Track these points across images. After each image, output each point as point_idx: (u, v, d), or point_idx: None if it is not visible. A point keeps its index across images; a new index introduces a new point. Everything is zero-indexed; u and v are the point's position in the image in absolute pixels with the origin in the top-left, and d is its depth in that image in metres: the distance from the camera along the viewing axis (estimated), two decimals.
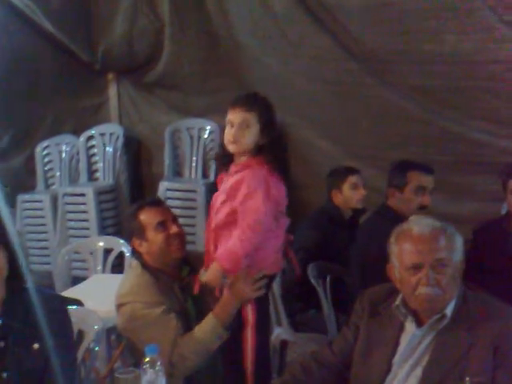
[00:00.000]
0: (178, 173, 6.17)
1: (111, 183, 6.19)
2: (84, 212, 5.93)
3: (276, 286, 3.51)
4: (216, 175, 5.74)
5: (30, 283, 2.41)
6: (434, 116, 4.86)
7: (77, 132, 6.42)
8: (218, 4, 5.47)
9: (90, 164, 6.37)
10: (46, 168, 6.54)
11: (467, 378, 2.02)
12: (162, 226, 2.76)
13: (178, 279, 2.81)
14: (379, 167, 4.99)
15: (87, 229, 5.93)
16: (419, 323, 2.22)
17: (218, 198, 2.74)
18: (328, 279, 3.61)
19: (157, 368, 1.98)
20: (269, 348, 2.84)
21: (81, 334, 2.69)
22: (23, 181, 6.54)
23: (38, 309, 2.32)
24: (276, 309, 3.66)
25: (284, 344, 3.92)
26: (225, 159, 2.79)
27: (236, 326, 2.68)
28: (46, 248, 6.16)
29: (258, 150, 2.67)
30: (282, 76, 5.06)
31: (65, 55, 6.15)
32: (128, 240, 3.15)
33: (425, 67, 4.78)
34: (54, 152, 6.47)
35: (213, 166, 5.94)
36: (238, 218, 2.62)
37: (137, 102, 6.31)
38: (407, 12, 4.70)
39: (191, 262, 2.88)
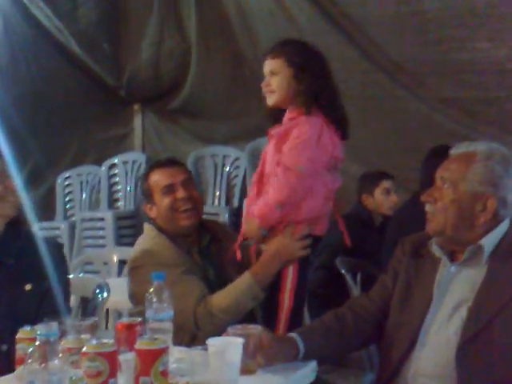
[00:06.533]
0: None
1: (131, 209, 6.06)
2: (102, 237, 5.77)
3: None
4: (240, 197, 5.65)
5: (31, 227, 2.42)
6: (467, 131, 4.62)
7: (99, 162, 6.37)
8: (244, 24, 5.44)
9: (111, 193, 6.29)
10: (66, 199, 6.46)
11: None
12: (170, 189, 2.53)
13: (198, 245, 2.59)
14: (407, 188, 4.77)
15: None
16: (454, 260, 2.04)
17: (268, 150, 2.45)
18: (359, 276, 3.33)
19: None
20: (302, 314, 2.57)
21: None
22: (42, 212, 6.40)
23: (32, 249, 2.28)
24: None
25: None
26: (273, 113, 2.49)
27: (273, 286, 2.41)
28: None
29: (308, 99, 2.36)
30: None
31: (91, 82, 6.16)
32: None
33: (455, 77, 4.63)
34: (76, 183, 6.39)
35: (236, 194, 5.80)
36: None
37: (161, 131, 6.27)
38: (435, 21, 4.60)
39: (213, 231, 2.66)
